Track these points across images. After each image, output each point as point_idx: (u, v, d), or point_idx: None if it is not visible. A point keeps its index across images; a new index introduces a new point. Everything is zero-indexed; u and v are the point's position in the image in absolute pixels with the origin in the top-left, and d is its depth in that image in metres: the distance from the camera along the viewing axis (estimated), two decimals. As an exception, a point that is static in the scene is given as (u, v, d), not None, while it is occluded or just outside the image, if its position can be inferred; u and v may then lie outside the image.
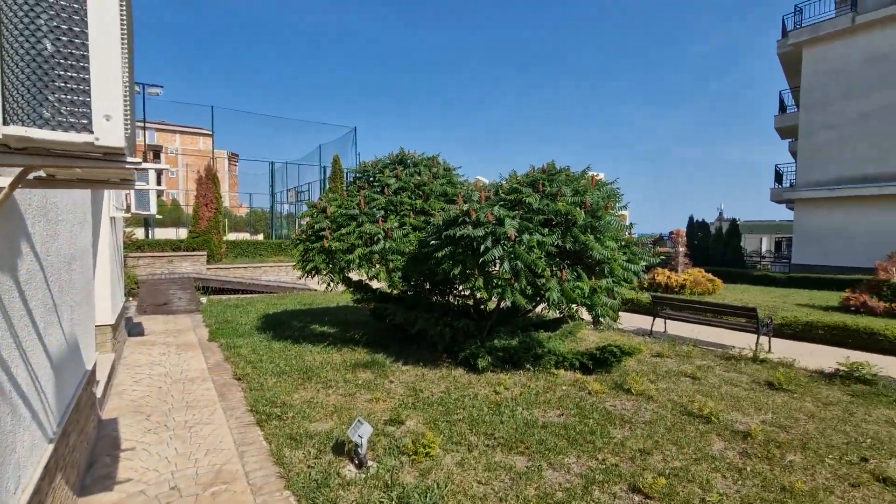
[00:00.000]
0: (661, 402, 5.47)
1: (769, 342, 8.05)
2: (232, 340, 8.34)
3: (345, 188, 8.84)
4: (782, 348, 8.09)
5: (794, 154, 20.76)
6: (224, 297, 14.67)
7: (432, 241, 6.59)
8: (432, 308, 8.25)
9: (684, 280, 14.85)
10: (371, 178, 8.67)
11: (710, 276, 15.34)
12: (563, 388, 6.00)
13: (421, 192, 8.12)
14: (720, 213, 45.62)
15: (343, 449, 4.20)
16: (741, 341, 8.44)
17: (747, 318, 8.18)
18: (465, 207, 6.02)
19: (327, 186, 23.31)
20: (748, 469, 3.92)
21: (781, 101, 21.79)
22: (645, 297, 11.15)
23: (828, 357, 7.46)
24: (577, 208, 5.74)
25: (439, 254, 6.21)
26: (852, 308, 11.05)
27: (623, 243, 6.63)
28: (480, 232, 5.70)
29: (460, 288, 8.63)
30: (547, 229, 5.93)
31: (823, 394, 5.81)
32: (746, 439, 4.49)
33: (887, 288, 11.00)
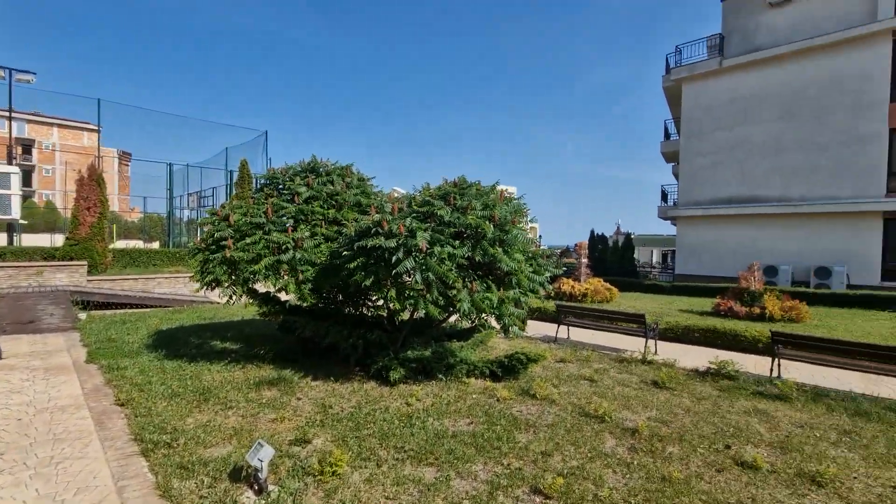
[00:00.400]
0: (563, 405, 5.82)
1: (655, 345, 8.94)
2: (116, 361, 7.46)
3: (251, 196, 8.36)
4: (666, 350, 9.00)
5: (676, 176, 23.39)
6: (109, 312, 13.10)
7: (344, 252, 6.46)
8: (345, 320, 8.06)
9: (586, 289, 16.00)
10: (280, 186, 8.30)
11: (608, 285, 16.69)
12: (474, 396, 6.14)
13: (334, 202, 7.93)
14: (618, 228, 49.98)
15: (241, 475, 3.93)
16: (633, 345, 9.26)
17: (637, 324, 9.01)
18: (378, 218, 6.00)
19: (234, 192, 21.90)
20: (635, 463, 4.30)
21: (666, 129, 24.51)
22: (551, 305, 11.82)
23: (702, 357, 8.44)
24: (487, 222, 5.96)
25: (352, 265, 6.10)
26: (722, 312, 12.65)
27: (530, 255, 6.99)
28: (393, 243, 5.70)
29: (374, 299, 8.53)
30: (458, 242, 6.08)
31: (697, 390, 6.55)
32: (634, 435, 4.92)
33: (747, 295, 12.75)
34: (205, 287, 7.14)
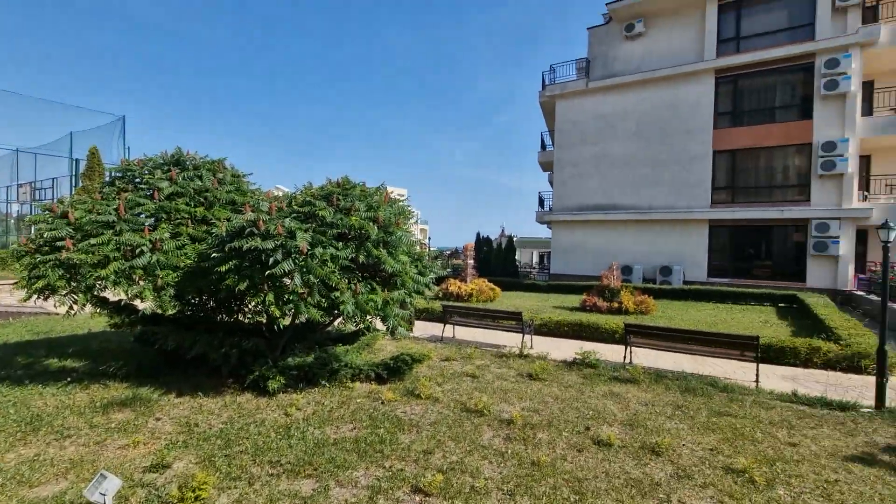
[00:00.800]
0: (446, 403, 5.99)
1: (531, 340, 9.65)
2: None
3: (99, 190, 7.26)
4: (541, 344, 9.77)
5: (551, 184, 25.54)
6: None
7: (214, 254, 5.92)
8: (217, 328, 7.38)
9: (472, 289, 16.70)
10: (137, 180, 7.33)
11: (492, 285, 17.62)
12: (358, 400, 6.04)
13: (202, 199, 7.23)
14: (502, 231, 53.05)
15: (78, 514, 3.38)
16: (512, 341, 9.89)
17: (516, 321, 9.64)
18: (253, 218, 5.60)
19: (80, 184, 18.84)
20: (509, 452, 4.59)
21: (542, 140, 26.64)
22: (438, 306, 12.11)
23: (571, 348, 9.31)
24: (371, 223, 5.91)
25: (223, 267, 5.61)
26: (587, 308, 14.10)
27: (415, 257, 7.09)
28: (270, 244, 5.37)
29: (252, 304, 7.94)
30: (341, 243, 5.94)
31: (565, 379, 7.21)
32: (510, 426, 5.25)
33: (608, 291, 14.37)
34: (34, 295, 6.01)
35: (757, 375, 7.12)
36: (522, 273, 32.16)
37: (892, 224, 5.91)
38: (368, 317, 6.27)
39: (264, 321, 7.80)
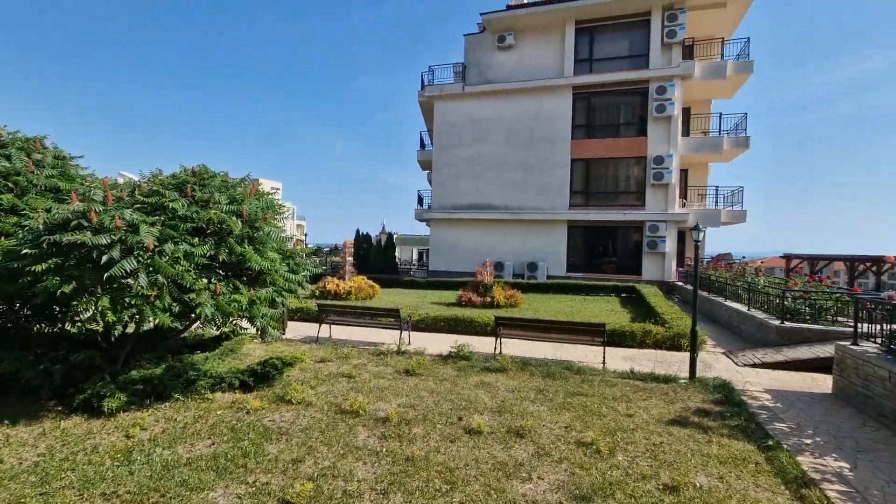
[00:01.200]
0: (320, 406, 5.75)
1: (409, 336, 9.75)
2: None
3: None
4: (419, 339, 9.93)
5: (430, 183, 26.13)
6: None
7: (27, 251, 4.87)
8: (32, 341, 6.11)
9: (350, 287, 16.33)
10: None
11: (371, 282, 17.42)
12: (219, 412, 5.49)
13: (11, 185, 5.91)
14: (383, 227, 52.74)
15: None
16: (391, 338, 9.88)
17: (394, 318, 9.65)
18: (82, 208, 4.74)
19: None
20: (384, 450, 4.57)
21: (422, 140, 27.10)
22: (313, 305, 11.59)
23: (447, 343, 9.61)
24: (234, 217, 5.41)
25: (39, 267, 4.64)
26: (463, 303, 14.70)
27: (287, 254, 6.68)
28: (104, 240, 4.59)
29: (81, 311, 6.71)
30: (197, 239, 5.32)
31: (441, 372, 7.42)
32: (385, 424, 5.23)
33: (482, 287, 15.17)
34: None
35: (604, 358, 8.11)
36: (402, 270, 32.39)
37: (701, 226, 7.17)
38: (232, 319, 5.74)
39: (101, 329, 6.67)
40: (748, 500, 3.79)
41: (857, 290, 10.59)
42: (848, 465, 4.50)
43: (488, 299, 14.54)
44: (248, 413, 5.47)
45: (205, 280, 5.45)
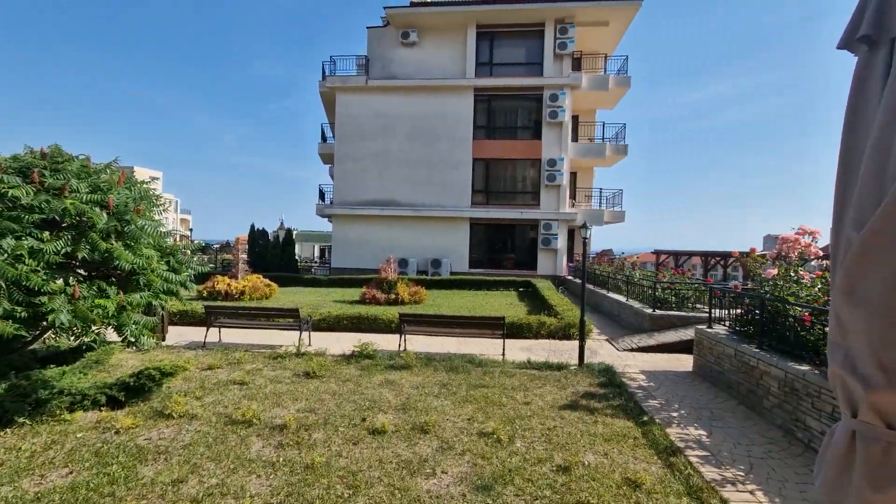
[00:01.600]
0: (206, 419, 5.23)
1: (309, 337, 9.32)
2: None
3: None
4: (321, 340, 9.52)
5: (332, 177, 25.26)
6: None
7: None
8: None
9: (244, 287, 15.18)
10: None
11: (268, 281, 16.36)
12: (80, 435, 4.74)
13: None
14: (281, 223, 49.96)
15: None
16: (290, 339, 9.34)
17: (293, 318, 9.15)
18: None
19: None
20: (281, 460, 4.28)
21: (323, 132, 26.07)
22: (199, 307, 10.56)
23: (350, 342, 9.34)
24: (97, 209, 4.68)
25: None
26: (367, 300, 14.44)
27: (166, 251, 5.98)
28: (-86, 235, 3.70)
29: None
30: (49, 233, 4.53)
31: (344, 373, 7.19)
32: (283, 431, 4.91)
33: (386, 284, 15.02)
34: None
35: (503, 350, 8.48)
36: (303, 268, 30.95)
37: (588, 225, 7.80)
38: (95, 328, 4.98)
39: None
40: (628, 472, 4.19)
41: (710, 280, 12.32)
42: (705, 433, 5.20)
43: (393, 296, 14.45)
44: (117, 433, 4.79)
45: (61, 282, 4.65)
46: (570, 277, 21.01)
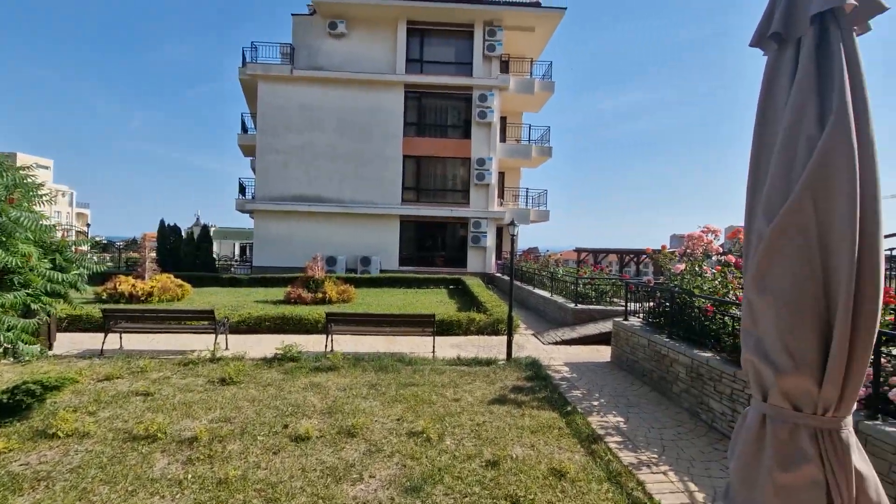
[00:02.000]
0: (101, 436, 4.65)
1: (226, 340, 8.67)
2: None
3: None
4: (240, 343, 8.89)
5: (254, 170, 23.86)
6: None
7: None
8: None
9: (152, 287, 13.86)
10: None
11: (180, 281, 15.07)
12: (-66, 465, 4.00)
13: None
14: (197, 219, 46.37)
15: None
16: (204, 344, 8.63)
17: (208, 320, 8.47)
18: None
19: None
20: (189, 477, 3.89)
21: (243, 122, 24.54)
22: (95, 310, 9.46)
23: (273, 344, 8.82)
24: (-44, 197, 3.97)
25: None
26: (292, 300, 13.78)
27: (53, 247, 5.26)
28: None
29: None
30: None
31: (265, 377, 6.76)
32: (193, 445, 4.49)
33: (312, 282, 14.44)
34: None
35: (433, 347, 8.44)
36: (222, 267, 28.97)
37: (516, 223, 7.98)
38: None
39: None
40: (554, 462, 4.30)
41: (626, 276, 13.17)
42: (623, 420, 5.50)
43: (320, 295, 13.91)
44: (-15, 459, 4.11)
45: None
46: (499, 274, 21.53)
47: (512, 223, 7.97)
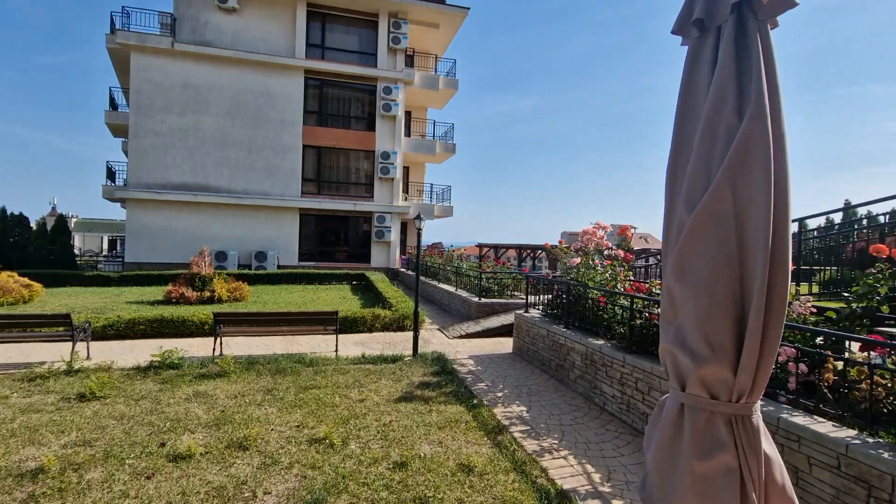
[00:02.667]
0: None
1: (88, 348, 7.44)
2: None
3: None
4: (107, 351, 7.69)
5: (126, 154, 20.97)
6: None
7: None
8: None
9: (-15, 289, 11.48)
10: None
11: (27, 280, 12.74)
12: None
13: None
14: (53, 208, 39.79)
15: None
16: (58, 354, 7.31)
17: (63, 326, 7.20)
18: None
19: None
20: (31, 517, 3.20)
21: (112, 98, 21.44)
22: None
23: (148, 350, 7.77)
24: None
25: None
26: (174, 300, 12.32)
27: None
28: None
29: None
30: None
31: (138, 389, 5.88)
32: (37, 478, 3.71)
33: (198, 280, 13.05)
34: None
35: (336, 345, 8.06)
36: (87, 263, 25.13)
37: (422, 217, 7.89)
38: None
39: None
40: (461, 457, 4.27)
41: (525, 269, 13.82)
42: (525, 409, 5.68)
43: (207, 294, 12.62)
44: None
45: None
46: (403, 269, 21.39)
47: (418, 217, 7.87)
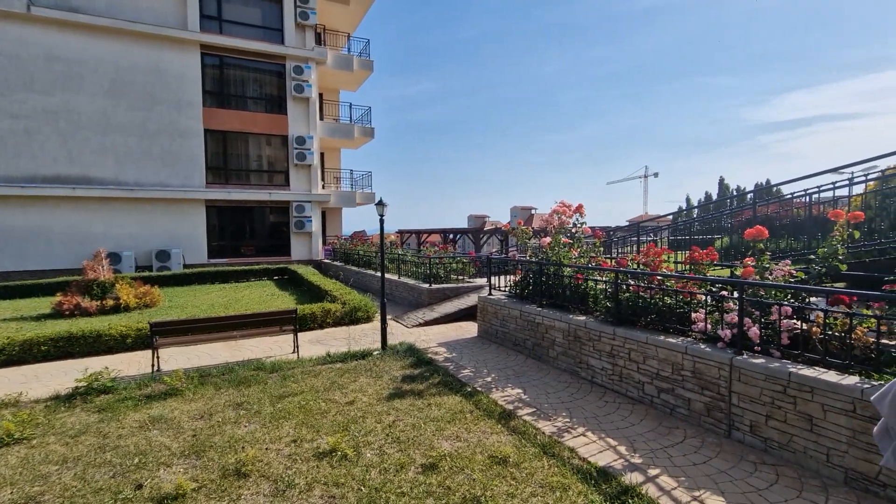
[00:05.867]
0: None
1: (-21, 381, 5.96)
2: None
3: None
4: (4, 381, 6.24)
5: (-30, 140, 17.10)
6: None
7: None
8: None
9: None
10: None
11: None
12: None
13: None
14: None
15: None
16: (-71, 393, 5.75)
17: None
18: None
19: None
20: None
21: (-55, 71, 17.25)
22: None
23: (61, 376, 6.46)
24: None
25: None
26: (67, 313, 10.42)
27: None
28: None
29: None
30: None
31: (69, 424, 4.83)
32: (-18, 556, 2.85)
33: (97, 287, 11.18)
34: None
35: (296, 346, 7.38)
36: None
37: (385, 203, 7.43)
38: None
39: None
40: (487, 448, 4.12)
41: (473, 252, 13.85)
42: (521, 391, 5.66)
43: (111, 302, 10.88)
44: None
45: None
46: (327, 261, 20.37)
47: (380, 202, 7.40)
